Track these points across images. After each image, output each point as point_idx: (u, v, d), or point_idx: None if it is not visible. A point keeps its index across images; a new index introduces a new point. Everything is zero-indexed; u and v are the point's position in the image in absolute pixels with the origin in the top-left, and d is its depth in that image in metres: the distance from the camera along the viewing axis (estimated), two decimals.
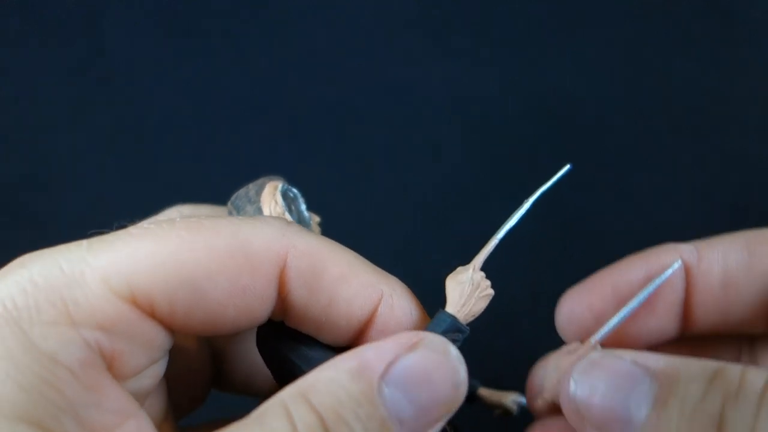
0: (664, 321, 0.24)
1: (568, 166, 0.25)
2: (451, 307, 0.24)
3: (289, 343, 0.25)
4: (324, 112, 0.60)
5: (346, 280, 0.24)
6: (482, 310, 0.24)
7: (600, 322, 0.24)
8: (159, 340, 0.22)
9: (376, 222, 0.59)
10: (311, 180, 0.61)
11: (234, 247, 0.22)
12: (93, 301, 0.21)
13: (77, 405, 0.20)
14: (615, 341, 0.24)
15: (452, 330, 0.24)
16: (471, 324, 0.24)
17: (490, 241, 0.25)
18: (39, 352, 0.20)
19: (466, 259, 0.25)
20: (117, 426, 0.21)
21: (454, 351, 0.22)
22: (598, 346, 0.24)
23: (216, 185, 0.60)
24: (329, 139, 0.60)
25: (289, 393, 0.21)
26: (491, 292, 0.24)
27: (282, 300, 0.24)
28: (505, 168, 0.59)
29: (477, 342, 0.26)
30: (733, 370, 0.20)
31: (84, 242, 0.22)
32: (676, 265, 0.24)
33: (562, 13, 0.60)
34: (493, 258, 0.25)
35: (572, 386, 0.22)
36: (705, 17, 0.59)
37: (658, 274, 0.24)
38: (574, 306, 0.24)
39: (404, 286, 0.25)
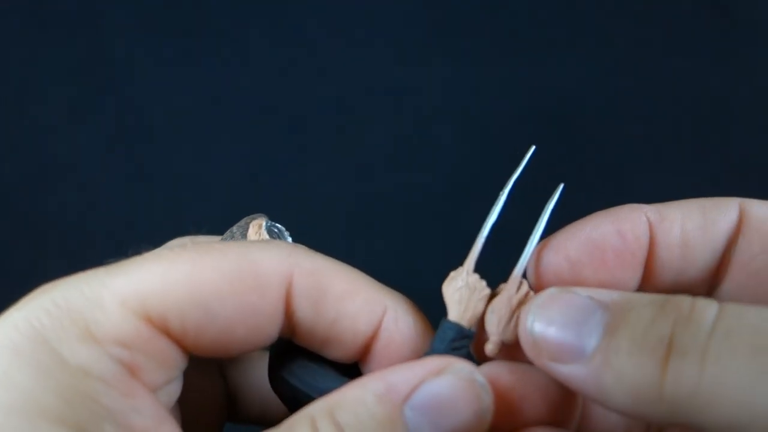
0: (629, 275, 0.25)
1: (533, 148, 0.26)
2: (453, 315, 0.25)
3: (298, 372, 0.25)
4: (324, 112, 0.60)
5: (350, 297, 0.24)
6: (483, 310, 0.25)
7: (575, 270, 0.24)
8: (173, 358, 0.23)
9: (375, 222, 0.59)
10: (311, 180, 0.62)
11: (243, 268, 0.23)
12: (112, 319, 0.22)
13: (116, 411, 0.21)
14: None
15: (459, 337, 0.24)
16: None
17: (476, 241, 0.25)
18: (71, 367, 0.21)
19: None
20: (154, 429, 0.22)
21: (480, 379, 0.23)
22: (524, 281, 0.24)
23: (216, 185, 0.61)
24: (329, 139, 0.60)
25: (317, 407, 0.22)
26: (488, 291, 0.25)
27: (289, 318, 0.24)
28: (505, 168, 0.59)
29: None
30: (683, 298, 0.21)
31: (102, 268, 0.23)
32: (560, 188, 0.25)
33: (562, 13, 0.60)
34: (496, 257, 0.25)
35: (530, 320, 0.23)
36: (705, 17, 0.59)
37: (627, 230, 0.25)
38: (551, 256, 0.25)
39: (407, 300, 0.26)
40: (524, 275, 0.25)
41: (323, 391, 0.23)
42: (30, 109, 0.59)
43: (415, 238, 0.58)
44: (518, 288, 0.24)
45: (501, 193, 0.26)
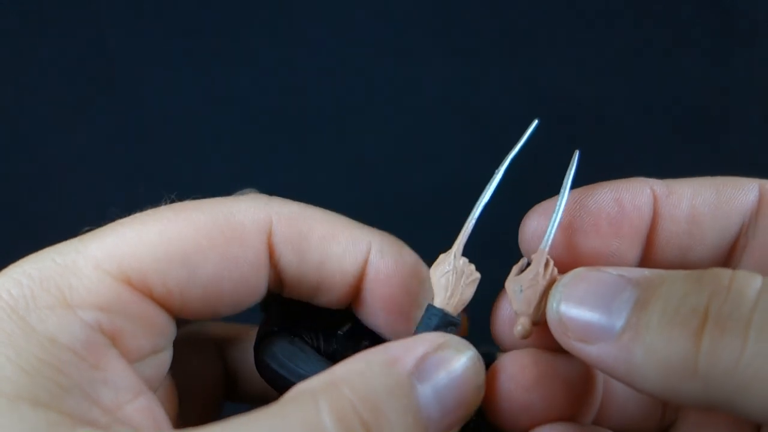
0: (627, 246, 0.24)
1: (536, 122, 0.25)
2: (438, 300, 0.23)
3: (279, 356, 0.24)
4: (324, 111, 0.60)
5: (333, 238, 0.24)
6: (471, 296, 0.24)
7: (564, 235, 0.23)
8: (159, 322, 0.22)
9: (376, 222, 0.59)
10: (311, 180, 0.61)
11: (219, 220, 0.23)
12: (87, 284, 0.21)
13: (83, 383, 0.20)
14: (573, 262, 0.23)
15: (444, 324, 0.23)
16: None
17: (467, 223, 0.24)
18: (38, 335, 0.20)
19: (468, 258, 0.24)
20: (128, 402, 0.21)
21: (476, 354, 0.22)
22: (550, 258, 0.23)
23: (216, 184, 0.60)
24: (329, 138, 0.60)
25: (318, 382, 0.21)
26: (478, 275, 0.24)
27: (274, 268, 0.24)
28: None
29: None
30: (721, 270, 0.20)
31: (76, 237, 0.23)
32: (576, 154, 0.25)
33: (562, 13, 0.60)
34: (484, 242, 0.24)
35: (556, 300, 0.22)
36: (705, 17, 0.59)
37: (626, 199, 0.24)
38: (541, 222, 0.24)
39: (391, 235, 0.25)
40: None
41: (303, 376, 0.22)
42: (30, 109, 0.59)
43: (415, 238, 0.58)
44: (546, 265, 0.23)
45: (497, 171, 0.25)
